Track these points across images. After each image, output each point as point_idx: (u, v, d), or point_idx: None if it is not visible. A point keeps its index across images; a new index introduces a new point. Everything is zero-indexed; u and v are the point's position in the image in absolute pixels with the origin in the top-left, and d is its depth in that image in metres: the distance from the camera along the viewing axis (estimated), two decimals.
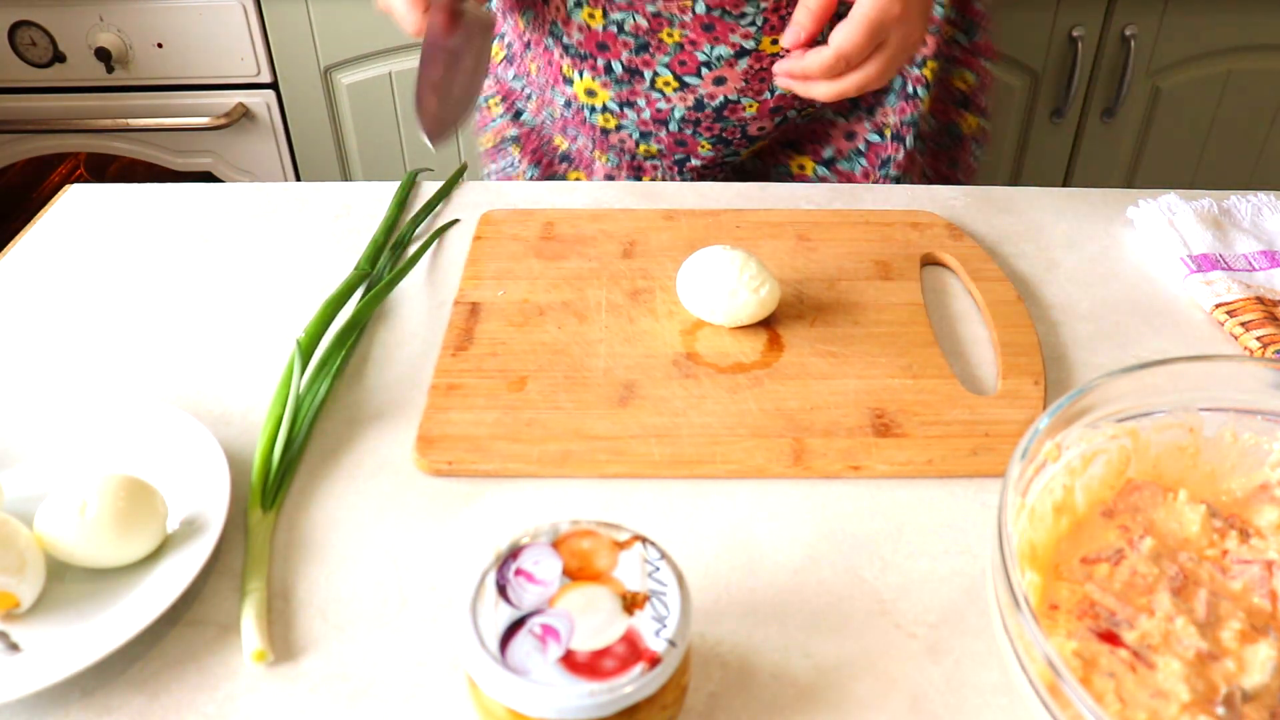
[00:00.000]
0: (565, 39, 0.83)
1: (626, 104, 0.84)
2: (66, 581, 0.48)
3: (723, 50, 0.81)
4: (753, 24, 0.80)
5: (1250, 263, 0.70)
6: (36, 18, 1.45)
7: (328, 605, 0.48)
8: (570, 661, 0.38)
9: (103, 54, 1.46)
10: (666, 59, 0.82)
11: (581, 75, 0.84)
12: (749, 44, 0.81)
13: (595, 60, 0.83)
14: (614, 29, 0.80)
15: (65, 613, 0.47)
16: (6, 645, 0.45)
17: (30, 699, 0.44)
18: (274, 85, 1.52)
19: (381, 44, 1.48)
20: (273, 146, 1.57)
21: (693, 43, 0.80)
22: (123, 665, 0.45)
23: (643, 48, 0.81)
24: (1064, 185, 1.61)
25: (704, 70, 0.82)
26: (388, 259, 0.71)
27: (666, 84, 0.83)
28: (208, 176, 1.60)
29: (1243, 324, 0.63)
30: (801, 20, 0.66)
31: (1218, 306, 0.65)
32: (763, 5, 0.78)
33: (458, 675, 0.45)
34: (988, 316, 0.65)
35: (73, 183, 0.83)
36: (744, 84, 0.84)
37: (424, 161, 1.60)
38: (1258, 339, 0.62)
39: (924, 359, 0.61)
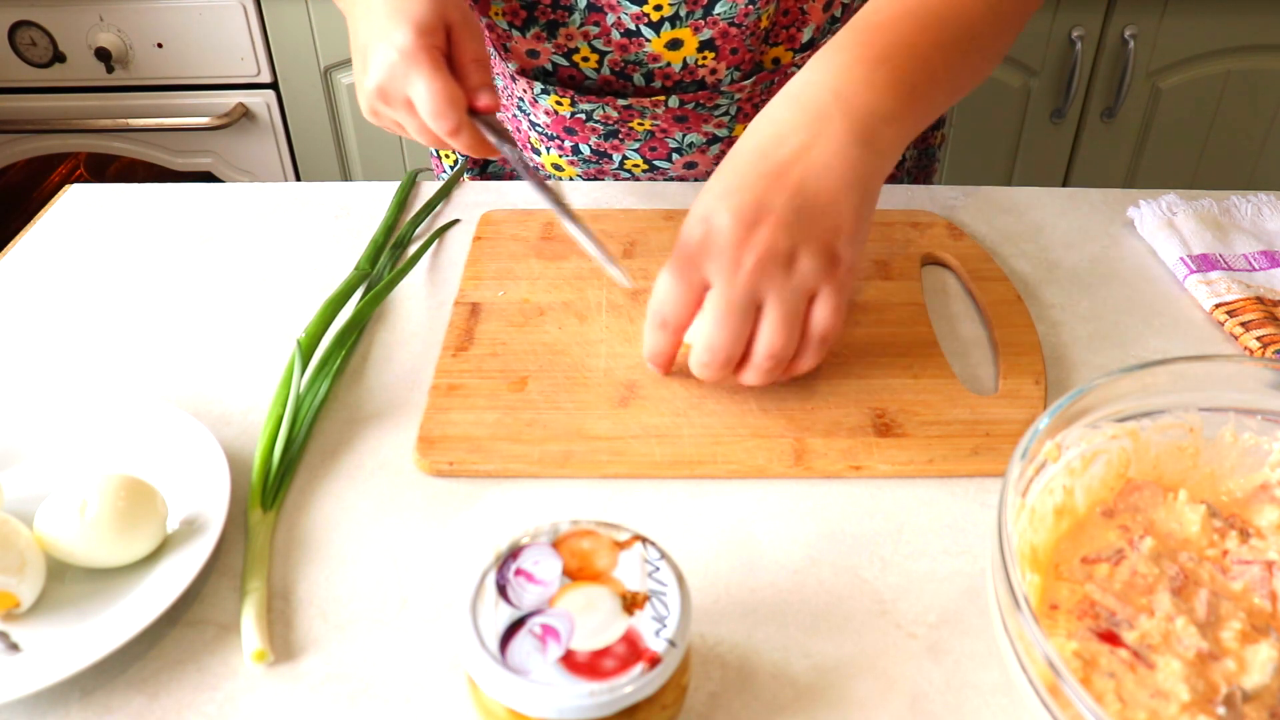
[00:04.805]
0: (533, 117, 0.82)
1: (594, 180, 0.84)
2: (66, 581, 0.48)
3: (694, 138, 0.80)
4: (726, 114, 0.79)
5: (1250, 263, 0.70)
6: (36, 18, 1.45)
7: (328, 605, 0.48)
8: (570, 661, 0.38)
9: (103, 54, 1.46)
10: (636, 145, 0.81)
11: (549, 151, 0.84)
12: (721, 132, 0.80)
13: (563, 141, 0.82)
14: (582, 116, 0.79)
15: (65, 613, 0.47)
16: (6, 645, 0.45)
17: (30, 699, 0.44)
18: (274, 85, 1.52)
19: None
20: (273, 146, 1.57)
21: (664, 131, 0.79)
22: (123, 665, 0.45)
23: (612, 134, 0.80)
24: (1064, 185, 1.61)
25: (674, 156, 0.81)
26: (388, 259, 0.71)
27: (636, 165, 0.83)
28: (208, 176, 1.60)
29: (1243, 324, 0.63)
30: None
31: (1218, 306, 0.65)
32: (736, 96, 0.78)
33: (458, 675, 0.45)
34: (988, 316, 0.65)
35: (73, 183, 0.83)
36: (715, 167, 0.83)
37: (424, 162, 1.60)
38: (1258, 339, 0.62)
39: (924, 359, 0.61)
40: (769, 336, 0.53)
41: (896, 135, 0.55)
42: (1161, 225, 0.72)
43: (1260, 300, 0.65)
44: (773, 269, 0.51)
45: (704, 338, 0.53)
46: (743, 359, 0.54)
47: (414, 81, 0.60)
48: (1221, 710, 0.39)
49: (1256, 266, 0.69)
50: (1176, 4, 1.43)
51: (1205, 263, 0.69)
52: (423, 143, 0.64)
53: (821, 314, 0.54)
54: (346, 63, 1.50)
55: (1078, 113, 1.54)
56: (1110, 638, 0.42)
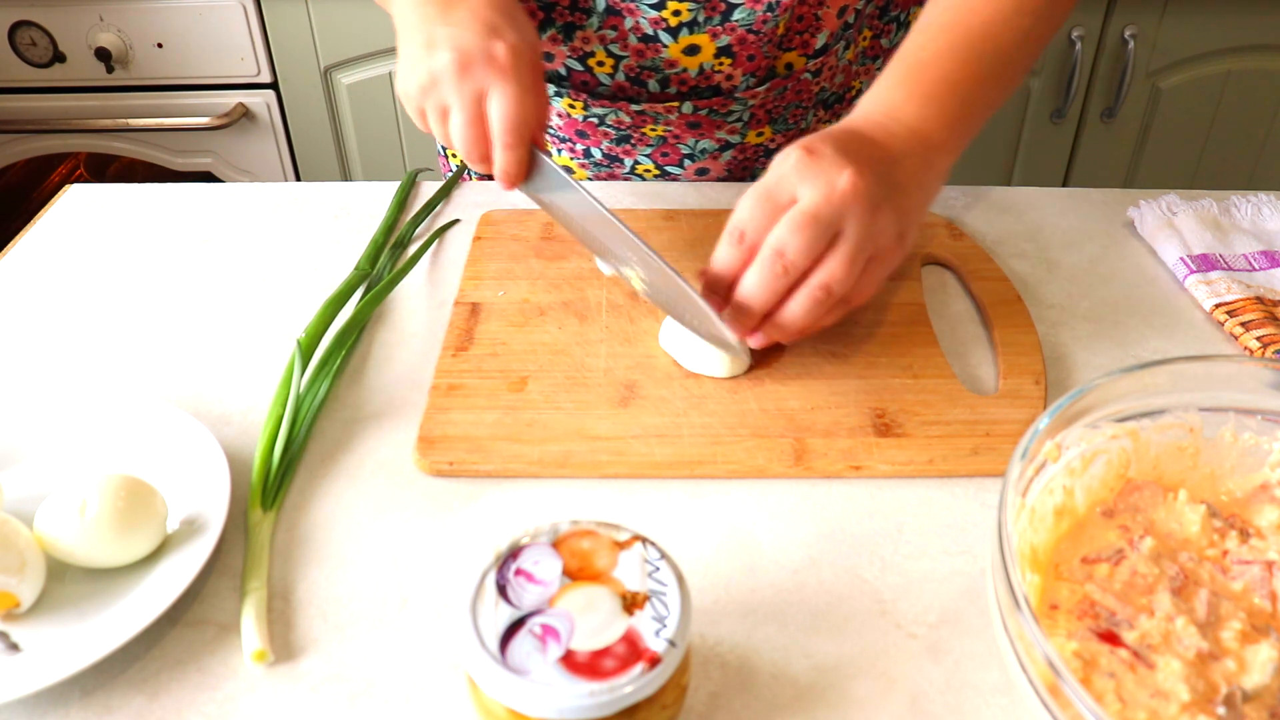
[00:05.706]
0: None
1: (605, 183, 0.83)
2: (66, 581, 0.48)
3: (707, 144, 0.80)
4: (739, 120, 0.79)
5: (1250, 263, 0.70)
6: (36, 18, 1.45)
7: (328, 605, 0.48)
8: (570, 661, 0.38)
9: (103, 54, 1.46)
10: (648, 150, 0.81)
11: (560, 153, 0.84)
12: (734, 139, 0.80)
13: (574, 144, 0.82)
14: (595, 120, 0.79)
15: (65, 613, 0.47)
16: (6, 645, 0.45)
17: (30, 699, 0.44)
18: (274, 85, 1.52)
19: (381, 44, 1.48)
20: (273, 146, 1.57)
21: (676, 136, 0.80)
22: (123, 665, 0.45)
23: (624, 139, 0.80)
24: (1064, 185, 1.61)
25: (686, 162, 0.81)
26: (388, 259, 0.71)
27: (647, 171, 0.83)
28: (208, 176, 1.60)
29: (1243, 324, 0.63)
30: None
31: (1218, 306, 0.65)
32: (750, 103, 0.78)
33: (458, 675, 0.45)
34: (988, 316, 0.65)
35: (73, 183, 0.83)
36: (727, 174, 0.83)
37: (424, 162, 1.60)
38: (1258, 339, 0.62)
39: (924, 359, 0.61)
40: (835, 264, 0.52)
41: (944, 165, 0.59)
42: (1161, 225, 0.72)
43: (1260, 300, 0.65)
44: (862, 203, 0.52)
45: (775, 240, 0.52)
46: (787, 294, 0.54)
47: (502, 84, 0.56)
48: (1221, 710, 0.39)
49: (1256, 266, 0.69)
50: (1176, 4, 1.43)
51: (1205, 263, 0.69)
52: (454, 137, 0.58)
53: (868, 277, 0.54)
54: (346, 63, 1.50)
55: (1078, 113, 1.54)
56: (1110, 638, 0.42)
